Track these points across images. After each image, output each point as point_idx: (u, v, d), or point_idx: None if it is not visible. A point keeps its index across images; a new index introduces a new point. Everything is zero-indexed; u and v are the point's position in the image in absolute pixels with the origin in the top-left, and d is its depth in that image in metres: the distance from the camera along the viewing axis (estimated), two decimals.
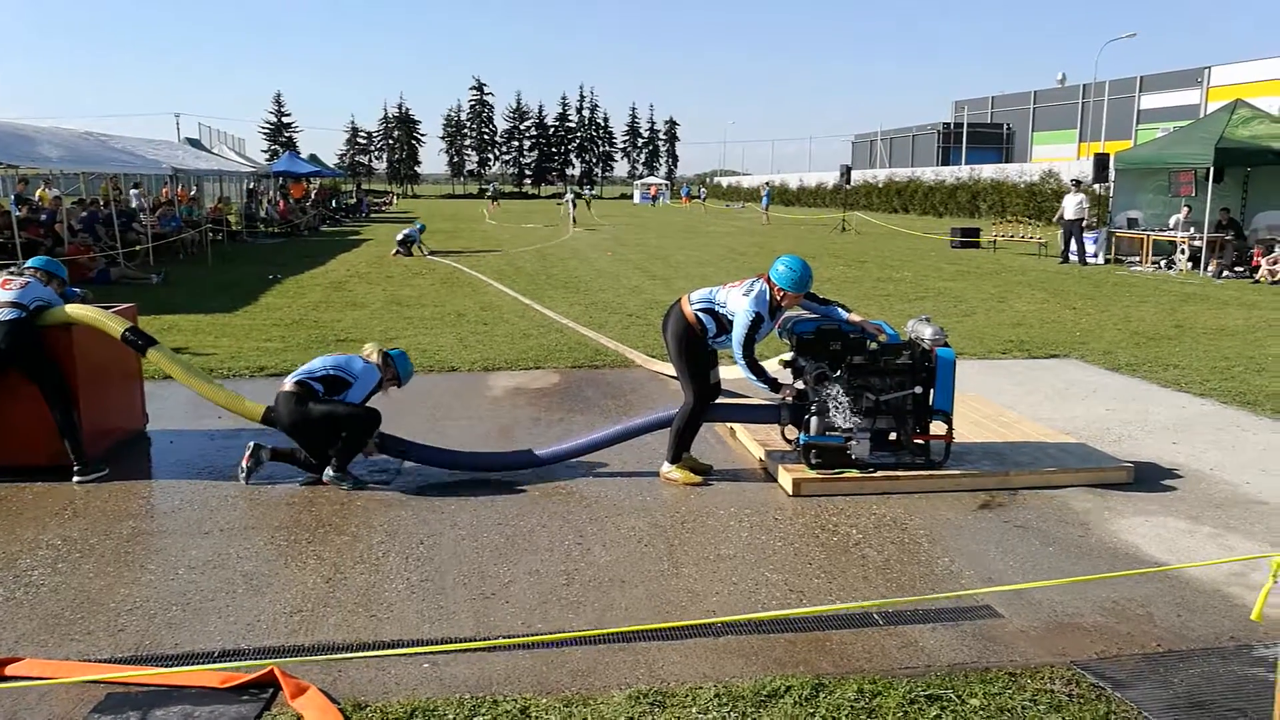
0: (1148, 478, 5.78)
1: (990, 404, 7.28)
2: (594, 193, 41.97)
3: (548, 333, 10.86)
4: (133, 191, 23.11)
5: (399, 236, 21.87)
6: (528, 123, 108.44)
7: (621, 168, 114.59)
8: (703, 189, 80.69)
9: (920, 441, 5.65)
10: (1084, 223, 20.18)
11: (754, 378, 5.49)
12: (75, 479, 5.58)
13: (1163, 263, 18.88)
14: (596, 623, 3.87)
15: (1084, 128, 61.13)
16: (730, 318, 5.46)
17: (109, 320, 5.82)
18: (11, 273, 5.81)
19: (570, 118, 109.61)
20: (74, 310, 5.79)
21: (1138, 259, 19.73)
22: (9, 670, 3.40)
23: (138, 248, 18.53)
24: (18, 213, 16.05)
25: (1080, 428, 6.89)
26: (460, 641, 3.68)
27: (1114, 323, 11.88)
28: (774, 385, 5.55)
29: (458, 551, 4.61)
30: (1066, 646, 3.71)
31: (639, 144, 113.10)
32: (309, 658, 3.55)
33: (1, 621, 3.85)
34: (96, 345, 5.96)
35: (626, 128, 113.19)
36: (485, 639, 3.71)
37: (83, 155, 18.04)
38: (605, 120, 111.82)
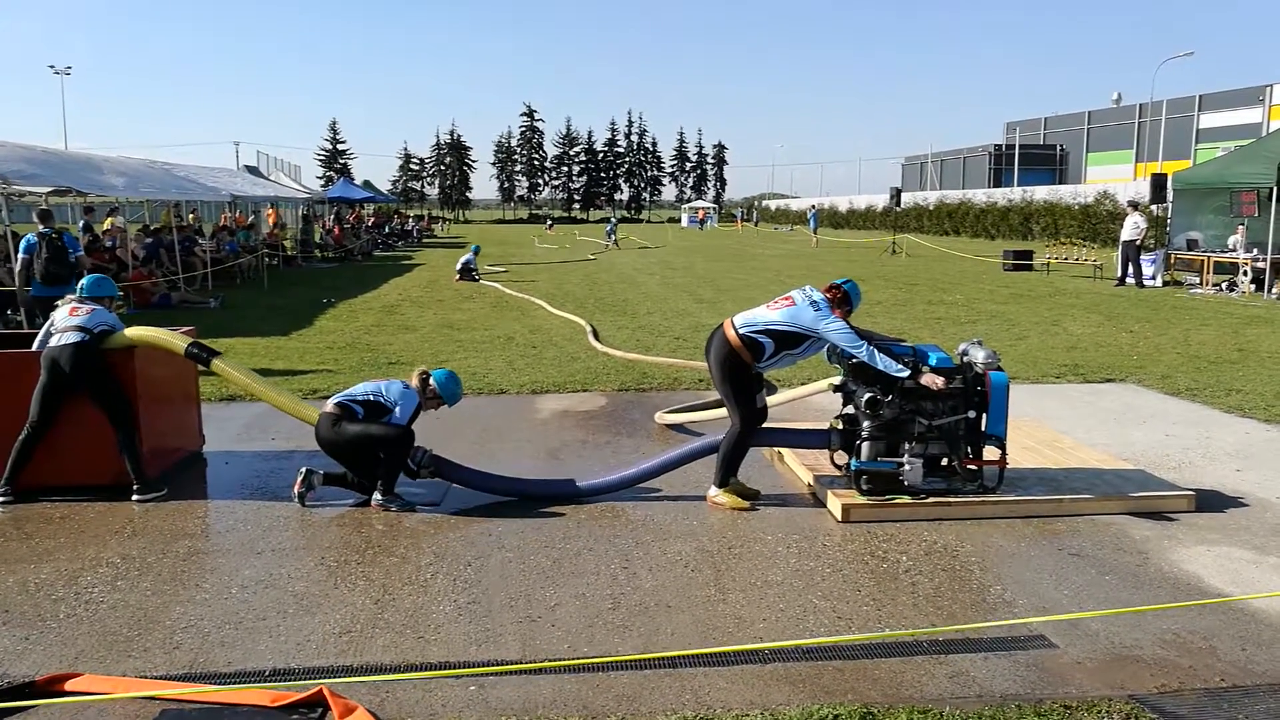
0: (1210, 506, 5.62)
1: (1044, 429, 7.14)
2: (619, 215, 42.35)
3: (595, 355, 10.91)
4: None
5: (459, 265, 21.78)
6: (577, 148, 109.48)
7: (669, 191, 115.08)
8: (755, 212, 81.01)
9: (973, 467, 5.56)
10: (1138, 243, 19.78)
11: (893, 364, 5.27)
12: (134, 498, 5.72)
13: (1224, 285, 18.42)
14: (642, 648, 3.85)
15: (1140, 148, 60.14)
16: (800, 331, 5.41)
17: (173, 338, 6.00)
18: (78, 301, 6.00)
19: (619, 143, 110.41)
20: (138, 332, 5.97)
21: (1198, 281, 19.28)
22: (69, 686, 3.48)
23: (196, 272, 19.02)
24: (83, 239, 16.56)
25: (1138, 454, 6.72)
26: (506, 664, 3.70)
27: (1173, 346, 11.60)
28: (914, 369, 5.32)
29: (504, 574, 4.63)
30: (1125, 679, 3.60)
31: (687, 168, 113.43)
32: (357, 678, 3.58)
33: (63, 637, 3.95)
34: (157, 368, 6.13)
35: (674, 152, 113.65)
36: (531, 662, 3.72)
37: (147, 183, 18.60)
38: (653, 145, 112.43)
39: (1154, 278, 19.98)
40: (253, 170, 37.34)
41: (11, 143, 14.58)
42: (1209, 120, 54.92)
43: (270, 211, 29.69)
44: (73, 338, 5.69)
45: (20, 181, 12.90)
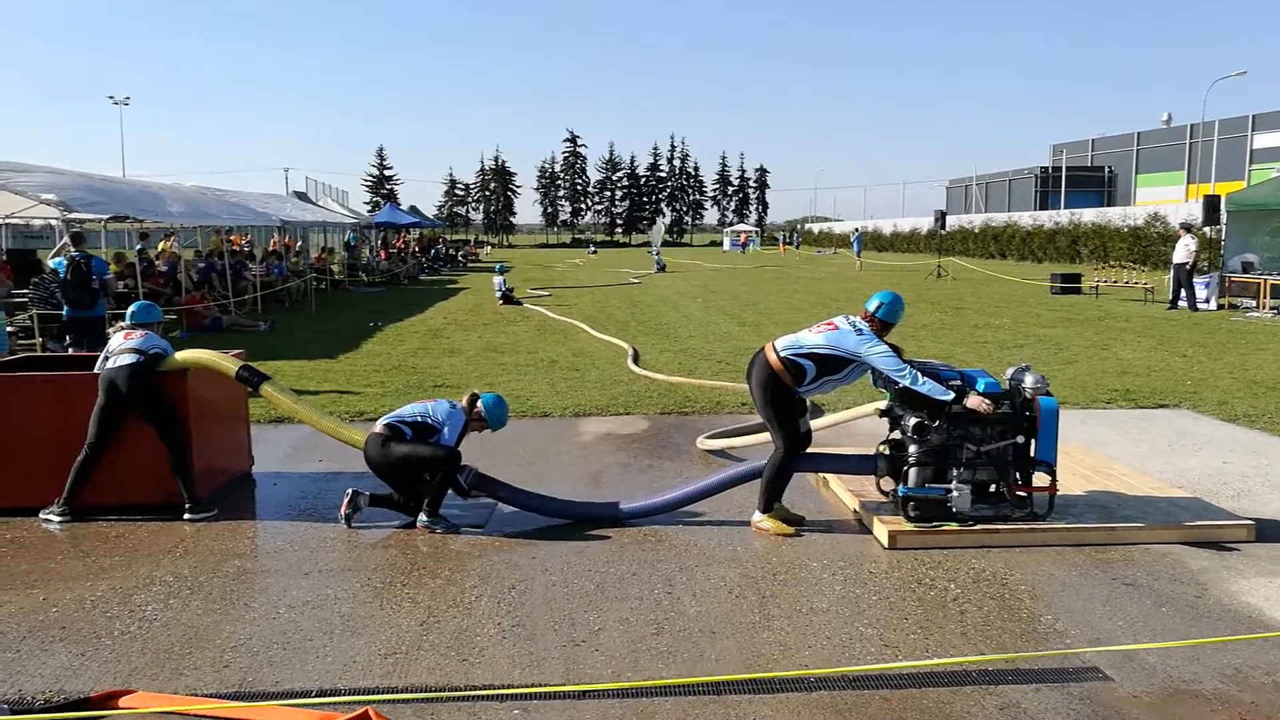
0: (1271, 536, 5.45)
1: (1095, 455, 7.00)
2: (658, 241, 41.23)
3: (637, 378, 10.92)
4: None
5: (496, 290, 22.10)
6: (619, 173, 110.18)
7: (711, 215, 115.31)
8: (797, 235, 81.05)
9: (1022, 493, 5.47)
10: (1188, 266, 19.37)
11: (938, 388, 5.21)
12: (185, 516, 5.83)
13: None
14: (687, 674, 3.83)
15: (1192, 169, 59.08)
16: (843, 355, 5.39)
17: (224, 361, 6.13)
18: (130, 327, 6.16)
19: (661, 167, 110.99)
20: (190, 355, 6.11)
21: (1254, 304, 18.84)
22: (122, 703, 3.54)
23: (247, 295, 19.40)
24: (139, 264, 17.00)
25: (1194, 481, 6.56)
26: (550, 688, 3.69)
27: (1229, 371, 11.33)
28: (960, 393, 5.27)
29: (548, 597, 4.63)
30: (1184, 715, 3.50)
31: (729, 192, 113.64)
32: (403, 699, 3.60)
33: (117, 654, 4.02)
34: (209, 389, 6.26)
35: (717, 176, 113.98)
36: (575, 686, 3.71)
37: (201, 209, 19.06)
38: (696, 169, 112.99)
39: (1208, 301, 19.56)
40: (302, 196, 38.03)
41: (72, 171, 15.05)
42: (1263, 140, 53.85)
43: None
44: (127, 359, 5.84)
45: (80, 209, 13.29)
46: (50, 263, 11.74)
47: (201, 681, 3.77)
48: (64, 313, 11.23)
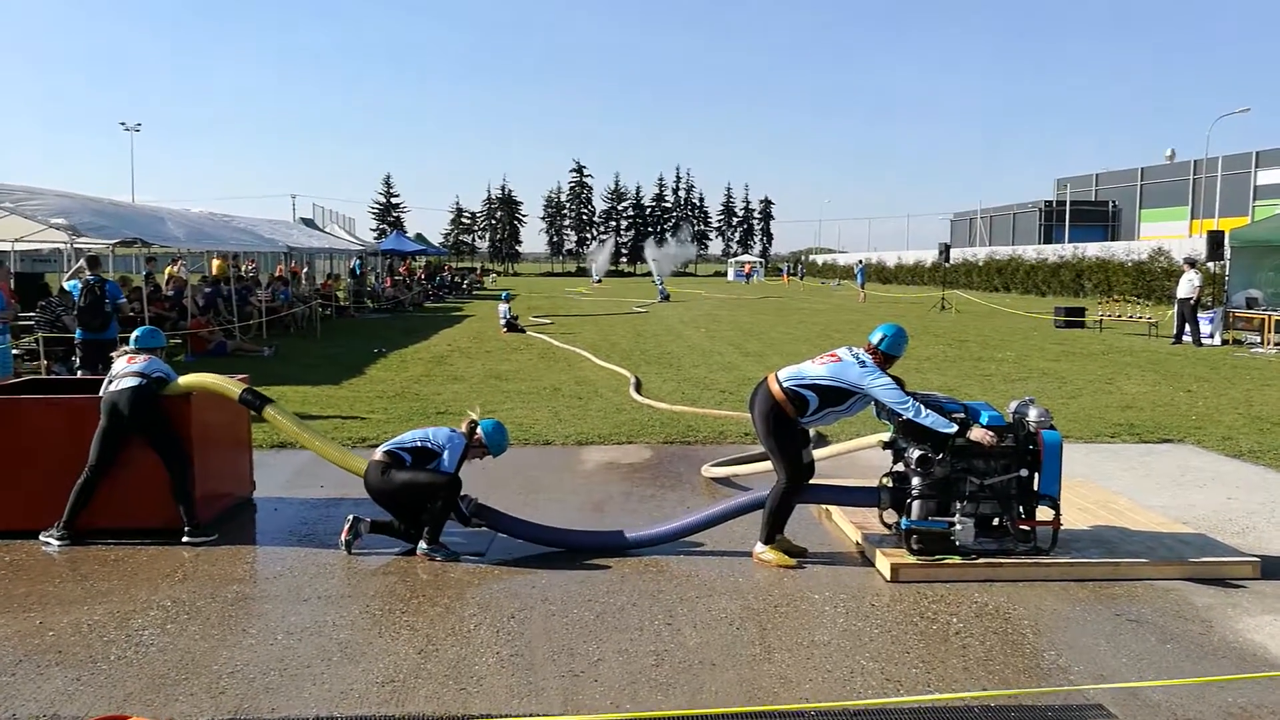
0: (1277, 573, 5.41)
1: (1099, 489, 6.97)
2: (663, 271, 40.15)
3: (640, 407, 10.91)
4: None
5: (501, 318, 22.08)
6: (625, 203, 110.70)
7: (716, 245, 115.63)
8: (801, 266, 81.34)
9: (1025, 527, 5.44)
10: (1192, 301, 19.39)
11: (941, 420, 5.19)
12: (185, 540, 5.82)
13: None
14: (686, 705, 3.79)
15: (1196, 204, 59.31)
16: (845, 387, 5.38)
17: (227, 384, 6.15)
18: (133, 351, 6.17)
19: (666, 198, 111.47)
20: (194, 379, 6.13)
21: (1259, 340, 18.82)
22: None
23: (251, 321, 19.46)
24: (146, 288, 17.09)
25: (1199, 517, 6.52)
26: (548, 718, 3.66)
27: (1233, 406, 11.30)
28: (963, 426, 5.26)
29: (548, 627, 4.60)
30: None
31: (733, 222, 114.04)
32: None
33: (112, 679, 3.99)
34: (212, 414, 6.26)
35: (722, 207, 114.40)
36: (573, 716, 3.67)
37: (207, 234, 19.18)
38: (701, 200, 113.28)
39: (1212, 336, 19.55)
40: (308, 222, 38.31)
41: (81, 195, 15.18)
42: (1267, 177, 54.11)
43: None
44: (130, 382, 5.86)
45: (89, 233, 13.39)
46: (65, 284, 11.90)
47: (197, 708, 3.75)
48: (77, 335, 11.34)
